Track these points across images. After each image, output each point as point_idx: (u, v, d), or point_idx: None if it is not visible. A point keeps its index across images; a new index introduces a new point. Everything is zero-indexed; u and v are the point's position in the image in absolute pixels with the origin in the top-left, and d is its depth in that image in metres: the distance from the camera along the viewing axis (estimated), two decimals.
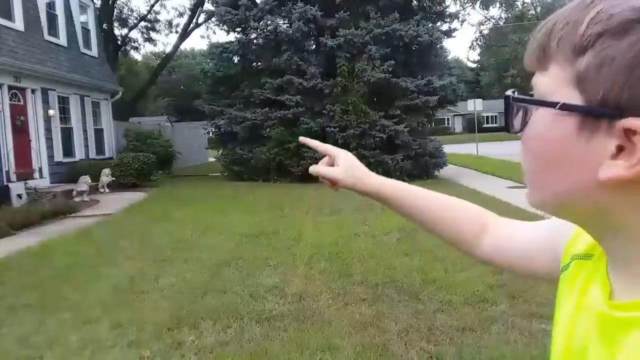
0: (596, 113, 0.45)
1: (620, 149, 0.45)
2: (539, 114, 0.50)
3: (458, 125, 59.12)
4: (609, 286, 0.52)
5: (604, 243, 0.53)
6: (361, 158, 13.40)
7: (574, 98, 0.47)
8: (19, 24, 12.56)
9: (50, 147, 13.45)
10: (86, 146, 15.41)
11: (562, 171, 0.49)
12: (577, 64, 0.46)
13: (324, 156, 0.97)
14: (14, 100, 12.23)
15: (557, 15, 0.49)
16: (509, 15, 52.19)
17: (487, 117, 56.98)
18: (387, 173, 14.71)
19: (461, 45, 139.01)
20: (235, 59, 16.52)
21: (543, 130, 0.50)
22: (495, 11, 67.34)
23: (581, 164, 0.47)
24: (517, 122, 0.53)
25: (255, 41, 16.21)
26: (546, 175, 0.51)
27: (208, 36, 53.55)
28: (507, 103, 0.54)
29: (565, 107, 0.47)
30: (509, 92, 0.54)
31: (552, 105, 0.48)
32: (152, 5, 34.44)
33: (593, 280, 0.55)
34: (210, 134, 20.95)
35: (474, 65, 66.89)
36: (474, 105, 25.46)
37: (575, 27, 0.47)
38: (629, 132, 0.44)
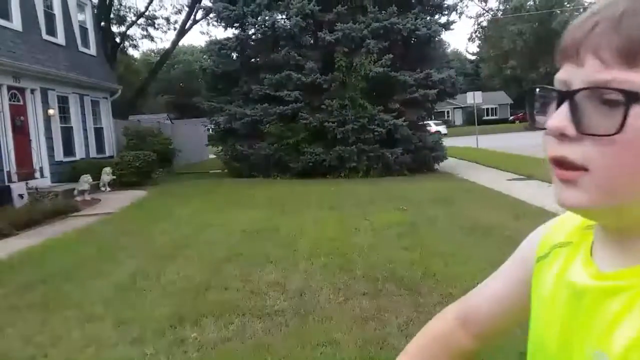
0: None
1: None
2: None
3: (458, 117, 59.07)
4: (592, 264, 0.53)
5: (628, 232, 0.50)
6: (361, 152, 13.37)
7: None
8: (16, 23, 12.56)
9: (50, 147, 13.47)
10: (86, 145, 15.43)
11: None
12: None
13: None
14: (14, 101, 12.23)
15: (613, 9, 0.45)
16: (507, 6, 52.01)
17: (487, 109, 56.94)
18: (388, 167, 14.78)
19: (460, 38, 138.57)
20: (234, 56, 16.53)
21: None
22: (493, 3, 67.17)
23: None
24: (605, 121, 0.45)
25: (253, 37, 16.22)
26: None
27: (208, 32, 53.36)
28: (572, 100, 0.47)
29: None
30: (579, 87, 0.47)
31: None
32: (150, 2, 34.38)
33: (573, 261, 0.56)
34: (210, 131, 20.93)
35: (473, 58, 66.79)
36: (474, 98, 25.46)
37: None
38: None
